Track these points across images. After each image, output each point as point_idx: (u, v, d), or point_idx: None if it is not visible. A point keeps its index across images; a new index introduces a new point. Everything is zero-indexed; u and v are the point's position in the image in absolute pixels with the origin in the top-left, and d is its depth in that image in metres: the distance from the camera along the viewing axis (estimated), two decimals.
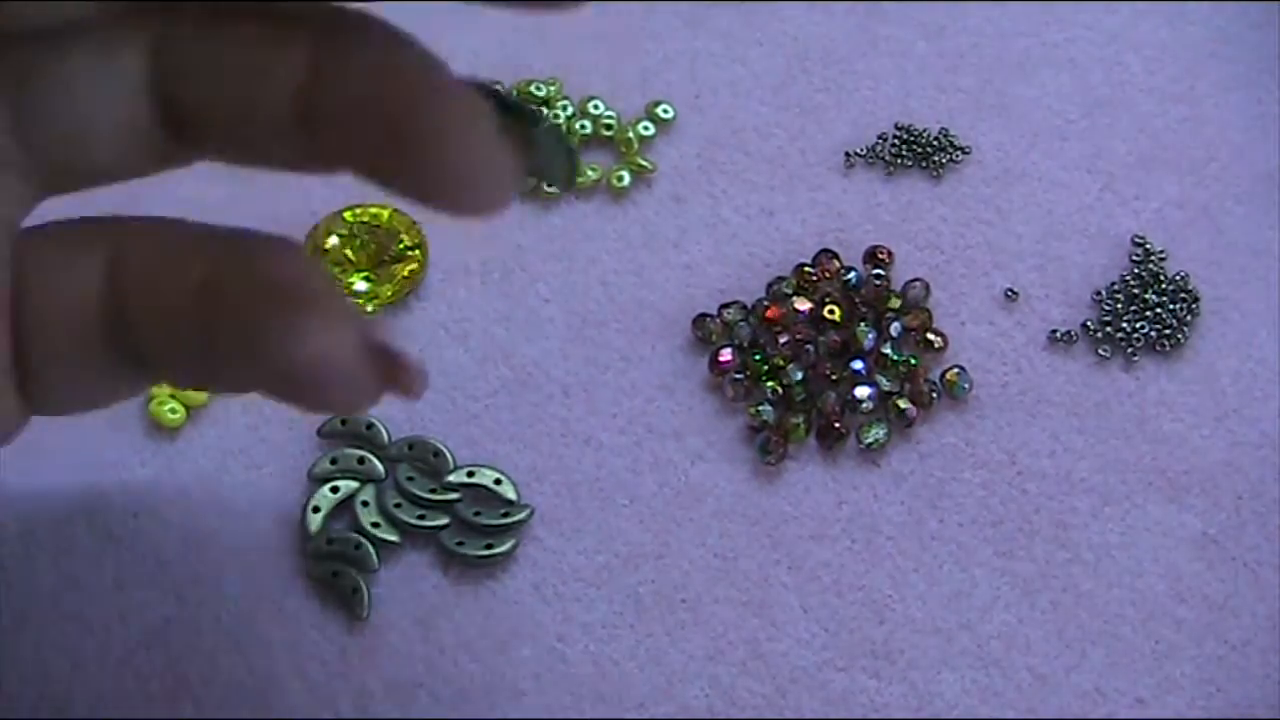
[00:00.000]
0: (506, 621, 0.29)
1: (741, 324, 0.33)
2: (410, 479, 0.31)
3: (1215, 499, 0.31)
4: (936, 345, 0.33)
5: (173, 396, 0.32)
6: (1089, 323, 0.33)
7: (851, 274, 0.34)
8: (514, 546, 0.30)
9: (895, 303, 0.33)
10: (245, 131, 0.21)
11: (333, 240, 0.34)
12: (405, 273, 0.34)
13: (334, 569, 0.29)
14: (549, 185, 0.35)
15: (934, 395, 0.32)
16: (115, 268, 0.22)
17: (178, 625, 0.29)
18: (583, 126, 0.37)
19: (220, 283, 0.21)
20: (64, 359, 0.22)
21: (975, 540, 0.30)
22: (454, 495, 0.30)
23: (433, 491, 0.31)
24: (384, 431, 0.31)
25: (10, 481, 0.31)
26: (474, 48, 0.38)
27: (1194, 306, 0.33)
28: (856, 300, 0.33)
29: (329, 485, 0.31)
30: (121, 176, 0.23)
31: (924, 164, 0.36)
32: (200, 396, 0.32)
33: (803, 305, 0.33)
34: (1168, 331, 0.33)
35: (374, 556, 0.30)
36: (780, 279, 0.34)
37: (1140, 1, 0.39)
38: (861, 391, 0.32)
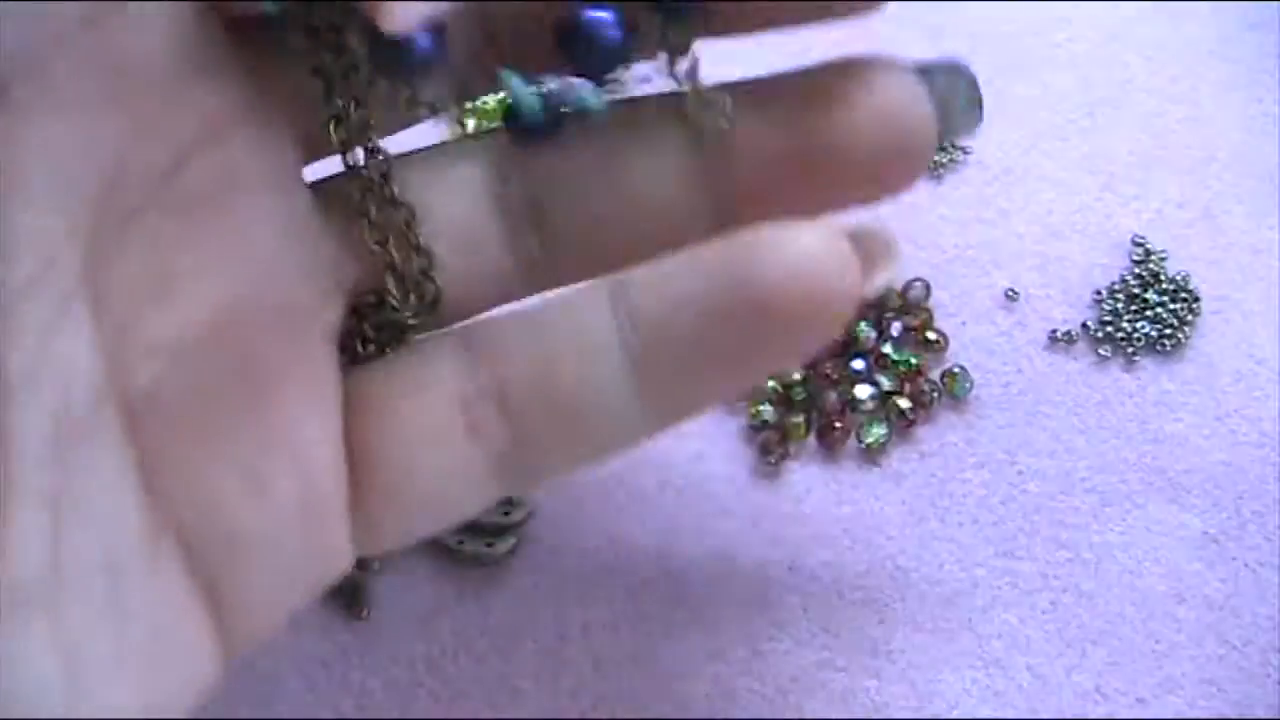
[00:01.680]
0: (506, 621, 0.29)
1: None
2: None
3: (1215, 499, 0.31)
4: (937, 345, 0.33)
5: None
6: (1089, 323, 0.33)
7: None
8: (514, 546, 0.30)
9: (896, 302, 0.33)
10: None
11: None
12: None
13: None
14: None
15: (934, 395, 0.32)
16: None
17: None
18: None
19: None
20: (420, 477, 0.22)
21: (975, 540, 0.30)
22: None
23: None
24: None
25: None
26: None
27: (1194, 306, 0.33)
28: None
29: None
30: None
31: None
32: None
33: None
34: (1168, 331, 0.33)
35: None
36: None
37: (1140, 1, 0.39)
38: (862, 391, 0.32)
